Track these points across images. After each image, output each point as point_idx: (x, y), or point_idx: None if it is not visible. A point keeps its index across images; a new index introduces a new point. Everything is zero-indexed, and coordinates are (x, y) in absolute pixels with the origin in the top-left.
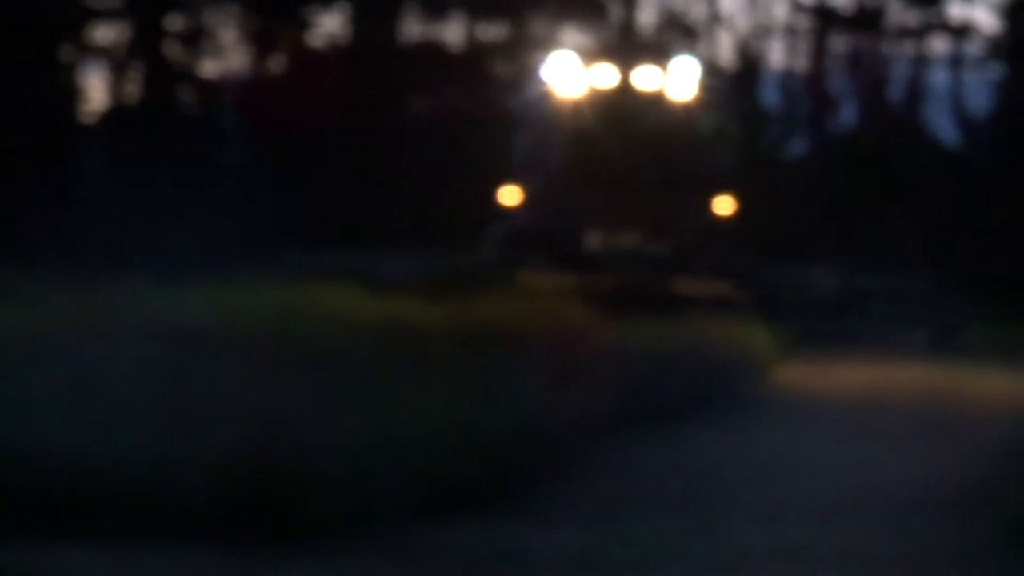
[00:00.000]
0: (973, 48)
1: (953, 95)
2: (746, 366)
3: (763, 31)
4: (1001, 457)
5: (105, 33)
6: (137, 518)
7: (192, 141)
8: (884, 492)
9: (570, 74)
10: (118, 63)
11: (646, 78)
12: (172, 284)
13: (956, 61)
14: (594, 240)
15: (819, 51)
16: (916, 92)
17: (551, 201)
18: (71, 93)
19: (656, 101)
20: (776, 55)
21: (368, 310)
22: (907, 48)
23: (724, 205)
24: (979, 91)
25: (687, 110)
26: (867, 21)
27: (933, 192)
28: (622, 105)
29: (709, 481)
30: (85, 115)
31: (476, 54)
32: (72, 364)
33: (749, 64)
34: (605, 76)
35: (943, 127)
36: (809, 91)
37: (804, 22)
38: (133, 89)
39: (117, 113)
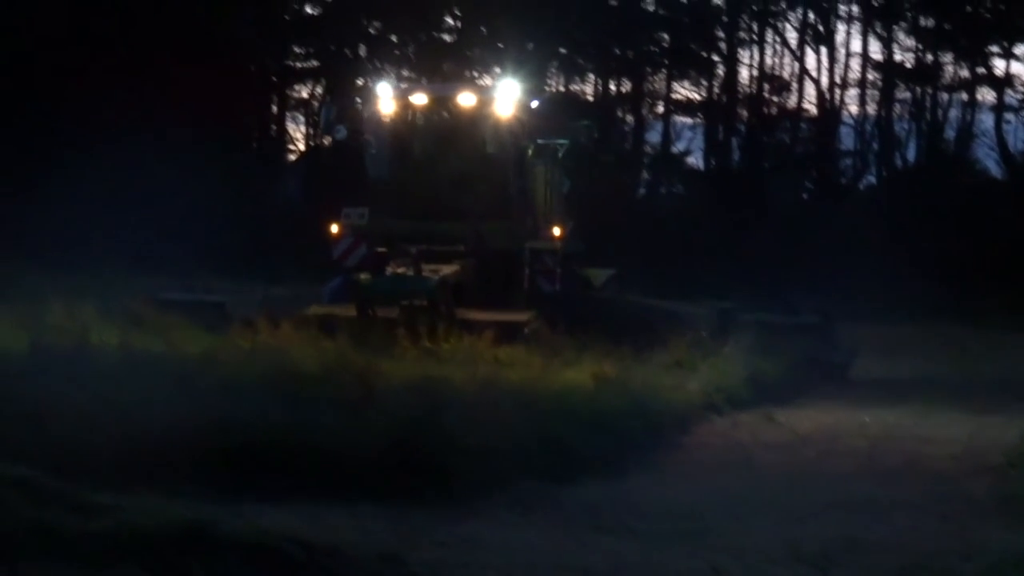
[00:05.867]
0: (1014, 96)
1: (997, 134)
2: None
3: (841, 83)
4: None
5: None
6: (320, 480)
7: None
8: None
9: (390, 102)
10: (314, 112)
11: (466, 100)
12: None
13: (999, 107)
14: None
15: (887, 100)
16: (966, 132)
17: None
18: (278, 137)
19: (473, 124)
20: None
21: None
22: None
23: (550, 230)
24: (1019, 131)
25: (506, 134)
26: (926, 74)
27: (979, 215)
28: (437, 130)
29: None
30: (288, 154)
31: (607, 103)
32: (274, 357)
33: (829, 110)
34: (423, 100)
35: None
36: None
37: (875, 76)
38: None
39: (313, 152)
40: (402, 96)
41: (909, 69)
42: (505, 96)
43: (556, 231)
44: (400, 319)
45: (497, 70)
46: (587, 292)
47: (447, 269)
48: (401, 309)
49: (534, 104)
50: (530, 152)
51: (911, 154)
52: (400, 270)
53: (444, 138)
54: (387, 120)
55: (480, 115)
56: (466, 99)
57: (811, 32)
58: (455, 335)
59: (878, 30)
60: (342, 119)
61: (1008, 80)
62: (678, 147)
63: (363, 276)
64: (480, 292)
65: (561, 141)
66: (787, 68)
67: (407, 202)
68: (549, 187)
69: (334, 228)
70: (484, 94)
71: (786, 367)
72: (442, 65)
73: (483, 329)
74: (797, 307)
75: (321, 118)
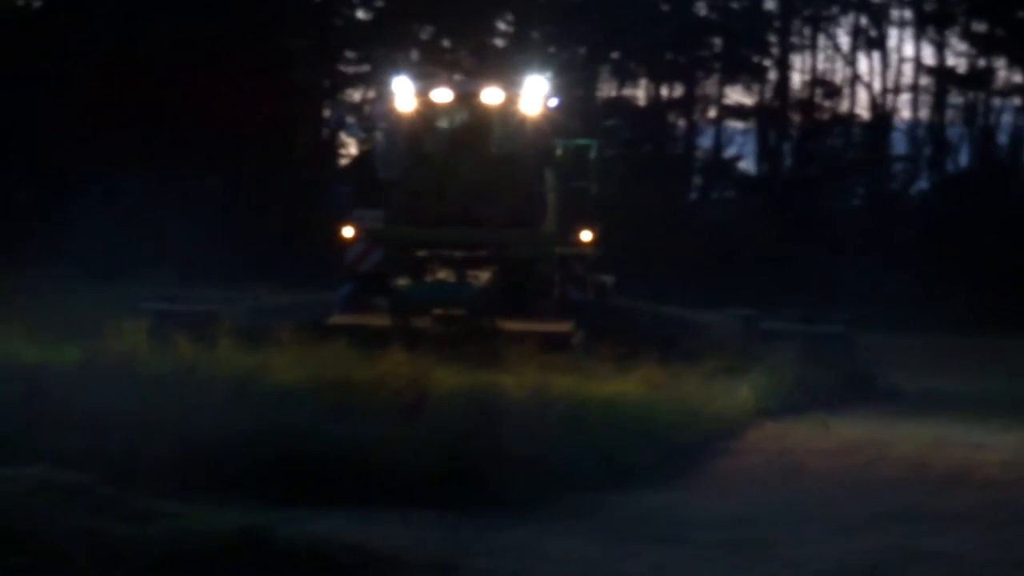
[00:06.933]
0: None
1: None
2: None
3: (893, 88)
4: None
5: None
6: (374, 489)
7: None
8: None
9: (410, 98)
10: (365, 117)
11: (491, 97)
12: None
13: None
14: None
15: (940, 105)
16: (1019, 138)
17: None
18: (328, 142)
19: (497, 123)
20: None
21: None
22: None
23: (579, 236)
24: None
25: (533, 131)
26: (979, 79)
27: None
28: (461, 128)
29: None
30: (340, 159)
31: (658, 108)
32: (323, 364)
33: (881, 116)
34: (445, 96)
35: None
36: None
37: (927, 81)
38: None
39: (365, 157)
40: (422, 92)
41: (961, 74)
42: (532, 93)
43: (586, 236)
44: (436, 329)
45: (548, 74)
46: (606, 300)
47: (485, 276)
48: (435, 318)
49: (553, 102)
50: (557, 152)
51: (963, 159)
52: (441, 276)
53: (465, 137)
54: (405, 117)
55: (505, 113)
56: (491, 96)
57: (863, 37)
58: (497, 345)
59: (930, 35)
60: (354, 116)
61: None
62: (729, 152)
63: (401, 282)
64: (506, 300)
65: (586, 141)
66: (839, 73)
67: (423, 205)
68: (575, 190)
69: (348, 231)
70: (510, 91)
71: (815, 376)
72: (494, 70)
73: (525, 340)
74: (820, 316)
75: (332, 116)
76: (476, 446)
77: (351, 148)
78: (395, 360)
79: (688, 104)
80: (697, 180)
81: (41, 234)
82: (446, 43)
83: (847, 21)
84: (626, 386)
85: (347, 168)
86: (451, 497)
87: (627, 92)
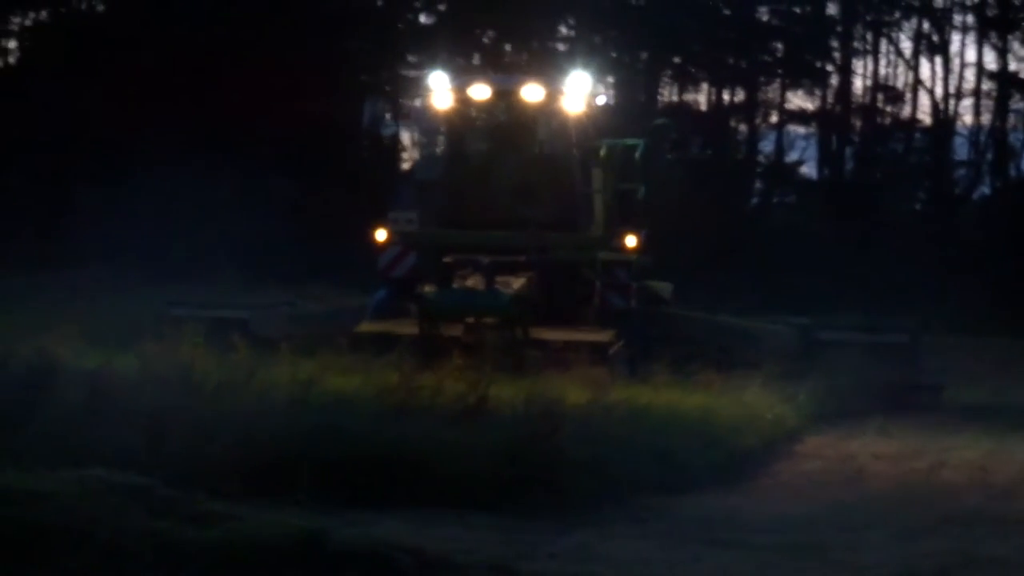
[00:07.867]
0: None
1: None
2: None
3: (955, 93)
4: None
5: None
6: (432, 492)
7: None
8: None
9: (446, 95)
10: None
11: (531, 94)
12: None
13: None
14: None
15: (1002, 110)
16: None
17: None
18: (390, 149)
19: (538, 121)
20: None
21: None
22: None
23: (624, 240)
24: None
25: (576, 130)
26: None
27: None
28: (501, 126)
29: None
30: (402, 163)
31: (720, 113)
32: (379, 370)
33: (943, 121)
34: (483, 93)
35: None
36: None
37: (989, 86)
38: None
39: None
40: (460, 88)
41: None
42: (575, 90)
43: (630, 241)
44: (466, 338)
45: (610, 79)
46: (658, 308)
47: (517, 283)
48: (466, 327)
49: (601, 100)
50: (601, 153)
51: None
52: (470, 283)
53: (505, 135)
54: (441, 114)
55: (546, 111)
56: (532, 92)
57: (925, 42)
58: (527, 355)
59: (993, 40)
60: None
61: None
62: (791, 157)
63: (428, 290)
64: (544, 308)
65: (633, 142)
66: (901, 78)
67: (460, 207)
68: (621, 192)
69: (380, 235)
70: (552, 87)
71: (876, 382)
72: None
73: (560, 350)
74: (882, 324)
75: (365, 113)
76: (536, 449)
77: (413, 151)
78: (454, 365)
79: (750, 109)
80: (758, 185)
81: (103, 235)
82: (507, 47)
83: (909, 26)
84: (685, 392)
85: (407, 170)
86: (510, 500)
87: (688, 97)
